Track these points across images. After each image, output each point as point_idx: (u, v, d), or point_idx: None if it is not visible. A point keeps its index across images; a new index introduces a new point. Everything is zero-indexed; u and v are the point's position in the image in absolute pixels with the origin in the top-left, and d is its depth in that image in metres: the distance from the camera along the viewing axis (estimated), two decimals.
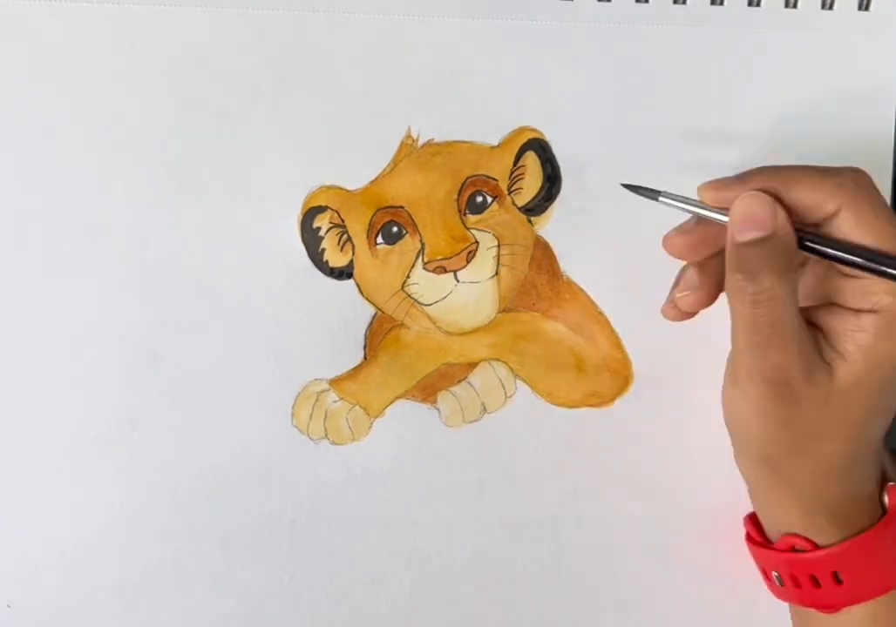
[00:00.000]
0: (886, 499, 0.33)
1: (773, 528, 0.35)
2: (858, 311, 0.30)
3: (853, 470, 0.32)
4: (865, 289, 0.30)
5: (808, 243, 0.30)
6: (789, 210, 0.30)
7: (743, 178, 0.30)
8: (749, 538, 0.36)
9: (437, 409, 0.38)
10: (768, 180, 0.30)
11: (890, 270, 0.28)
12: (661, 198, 0.32)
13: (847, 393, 0.30)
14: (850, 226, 0.29)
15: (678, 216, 0.38)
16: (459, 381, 0.38)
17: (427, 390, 0.38)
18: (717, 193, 0.31)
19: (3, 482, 0.35)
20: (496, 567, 0.39)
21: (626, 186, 0.33)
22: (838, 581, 0.33)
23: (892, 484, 0.33)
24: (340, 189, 0.36)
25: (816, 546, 0.33)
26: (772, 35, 0.38)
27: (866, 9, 0.38)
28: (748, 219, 0.30)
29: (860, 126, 0.39)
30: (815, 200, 0.29)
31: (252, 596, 0.37)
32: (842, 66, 0.39)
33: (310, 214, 0.36)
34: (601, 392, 0.38)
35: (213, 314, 0.36)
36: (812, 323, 0.31)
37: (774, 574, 0.35)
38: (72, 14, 0.34)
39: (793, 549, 0.34)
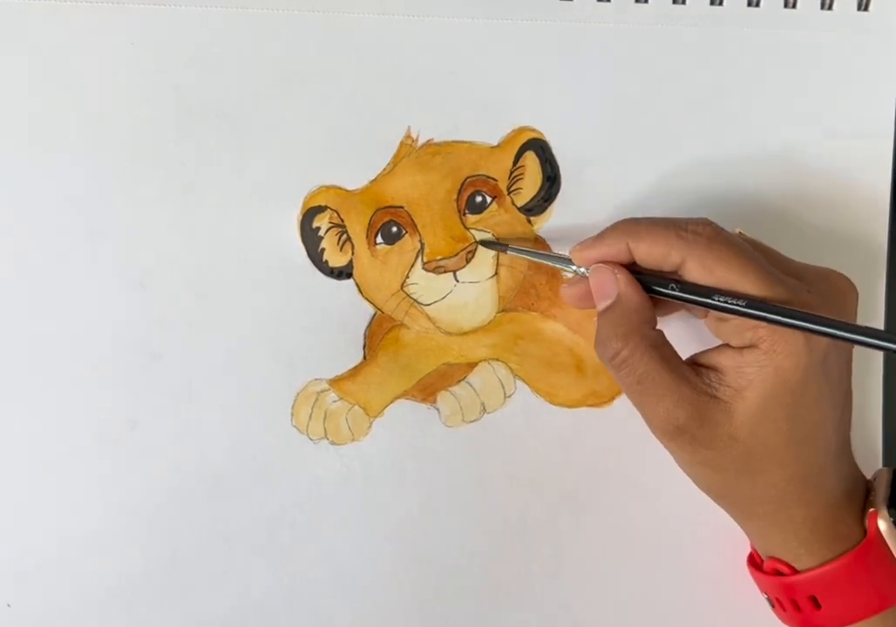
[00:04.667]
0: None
1: (760, 551, 0.35)
2: (741, 348, 0.31)
3: (807, 494, 0.32)
4: (738, 327, 0.31)
5: (657, 290, 0.32)
6: (644, 264, 0.32)
7: (601, 237, 0.33)
8: (749, 558, 0.37)
9: (437, 409, 0.38)
10: (621, 237, 0.32)
11: (735, 306, 0.29)
12: (508, 251, 0.36)
13: (754, 426, 0.30)
14: (698, 274, 0.31)
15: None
16: (459, 381, 0.38)
17: (427, 390, 0.38)
18: (580, 254, 0.33)
19: (4, 481, 0.35)
20: (496, 567, 0.39)
21: (481, 243, 0.37)
22: (817, 605, 0.33)
23: (872, 510, 0.33)
24: (340, 189, 0.36)
25: (796, 571, 0.33)
26: (772, 35, 0.38)
27: (866, 9, 0.38)
28: (599, 290, 0.32)
29: (860, 126, 0.39)
30: (661, 253, 0.31)
31: (252, 596, 0.37)
32: (842, 66, 0.39)
33: (309, 214, 0.36)
34: (601, 391, 0.38)
35: (212, 314, 0.36)
36: (710, 366, 0.31)
37: (765, 595, 0.35)
38: (72, 14, 0.34)
39: (776, 572, 0.34)
